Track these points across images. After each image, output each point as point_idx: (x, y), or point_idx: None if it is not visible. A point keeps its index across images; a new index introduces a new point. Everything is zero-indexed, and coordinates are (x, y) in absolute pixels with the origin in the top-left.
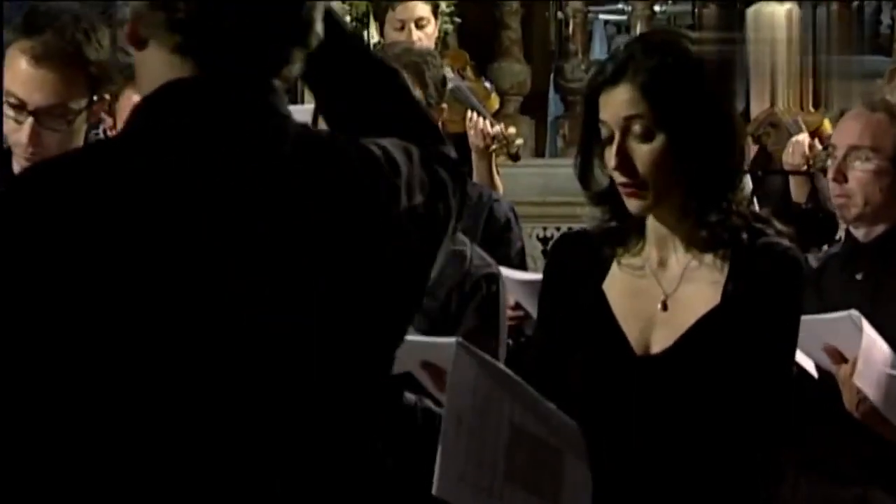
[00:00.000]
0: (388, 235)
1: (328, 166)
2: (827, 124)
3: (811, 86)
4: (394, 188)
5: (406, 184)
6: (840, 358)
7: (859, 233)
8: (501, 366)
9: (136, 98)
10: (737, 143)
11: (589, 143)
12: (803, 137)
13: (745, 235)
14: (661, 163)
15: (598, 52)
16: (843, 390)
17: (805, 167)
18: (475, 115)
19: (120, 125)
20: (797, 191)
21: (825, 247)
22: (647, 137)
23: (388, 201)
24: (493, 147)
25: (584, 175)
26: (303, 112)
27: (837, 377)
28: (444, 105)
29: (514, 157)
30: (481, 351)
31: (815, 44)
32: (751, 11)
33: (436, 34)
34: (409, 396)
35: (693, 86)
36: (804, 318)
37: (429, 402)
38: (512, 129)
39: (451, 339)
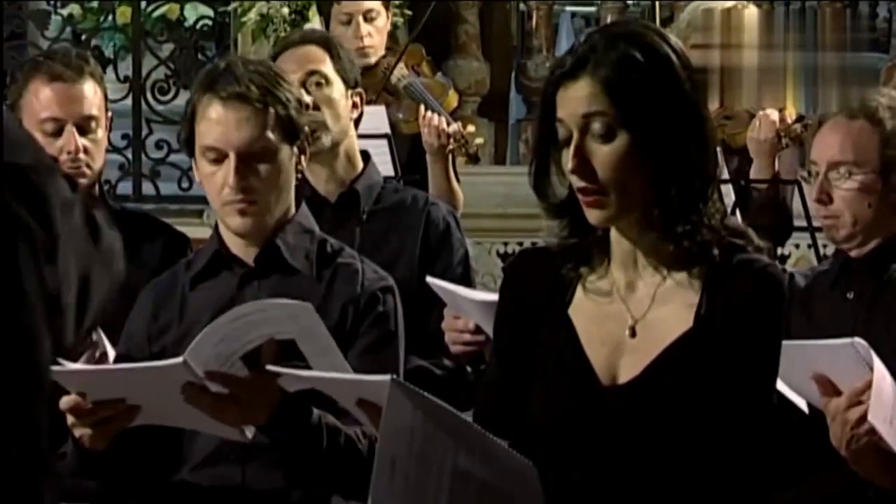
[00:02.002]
0: None
1: None
2: (790, 106)
3: (769, 87)
4: None
5: None
6: (832, 389)
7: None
8: (443, 404)
9: (42, 93)
10: (709, 149)
11: (545, 146)
12: (770, 111)
13: (719, 251)
14: (623, 166)
15: (565, 48)
16: (831, 426)
17: (776, 139)
18: (429, 111)
19: (26, 122)
20: (760, 175)
21: (819, 257)
22: (607, 137)
23: None
24: (450, 147)
25: (540, 183)
26: None
27: (826, 410)
28: (361, 90)
29: (474, 158)
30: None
31: (772, 41)
32: (687, 10)
33: (388, 28)
34: (315, 414)
35: (660, 82)
36: (795, 343)
37: (331, 419)
38: (471, 127)
39: (385, 377)
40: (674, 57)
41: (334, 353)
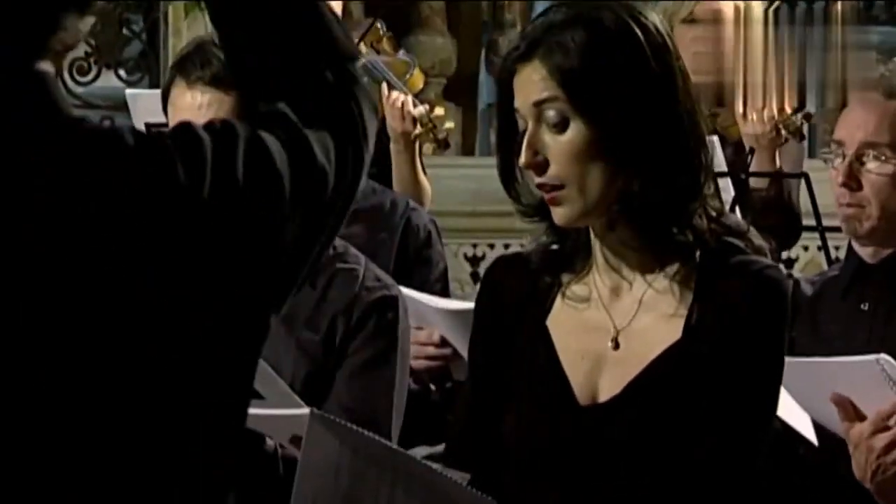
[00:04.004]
0: (182, 235)
1: (98, 165)
2: (789, 100)
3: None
4: (191, 180)
5: (216, 172)
6: (853, 413)
7: (866, 251)
8: (378, 438)
9: None
10: (690, 141)
11: (509, 139)
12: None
13: (710, 253)
14: (578, 158)
15: None
16: (854, 454)
17: (774, 133)
18: (394, 91)
19: None
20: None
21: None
22: (561, 127)
23: (179, 199)
24: (417, 132)
25: (508, 180)
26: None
27: (847, 437)
28: None
29: (443, 144)
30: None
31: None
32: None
33: (340, 3)
34: (270, 443)
35: (621, 65)
36: (810, 360)
37: (293, 451)
38: (439, 110)
39: (304, 410)
40: (642, 37)
41: (287, 392)
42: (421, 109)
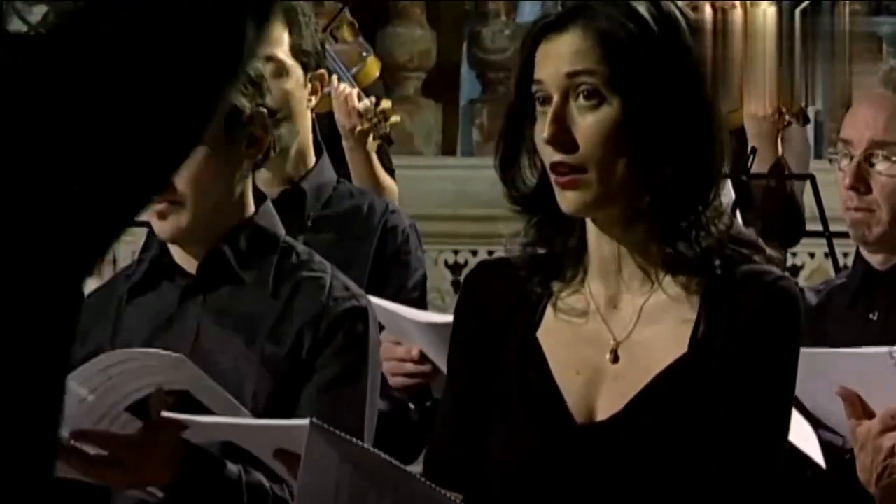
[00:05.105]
0: None
1: None
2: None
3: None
4: None
5: None
6: (861, 409)
7: (875, 258)
8: (376, 453)
9: None
10: (714, 136)
11: (520, 118)
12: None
13: (721, 262)
14: (609, 139)
15: (529, 13)
16: (859, 455)
17: (776, 116)
18: (342, 83)
19: None
20: (759, 165)
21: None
22: (595, 102)
23: None
24: (360, 127)
25: (507, 165)
26: None
27: (854, 436)
28: (324, 71)
29: (387, 140)
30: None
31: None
32: None
33: None
34: (232, 468)
35: (665, 43)
36: (817, 351)
37: (258, 476)
38: (386, 103)
39: (304, 421)
40: (682, 21)
41: (235, 407)
42: (366, 102)
